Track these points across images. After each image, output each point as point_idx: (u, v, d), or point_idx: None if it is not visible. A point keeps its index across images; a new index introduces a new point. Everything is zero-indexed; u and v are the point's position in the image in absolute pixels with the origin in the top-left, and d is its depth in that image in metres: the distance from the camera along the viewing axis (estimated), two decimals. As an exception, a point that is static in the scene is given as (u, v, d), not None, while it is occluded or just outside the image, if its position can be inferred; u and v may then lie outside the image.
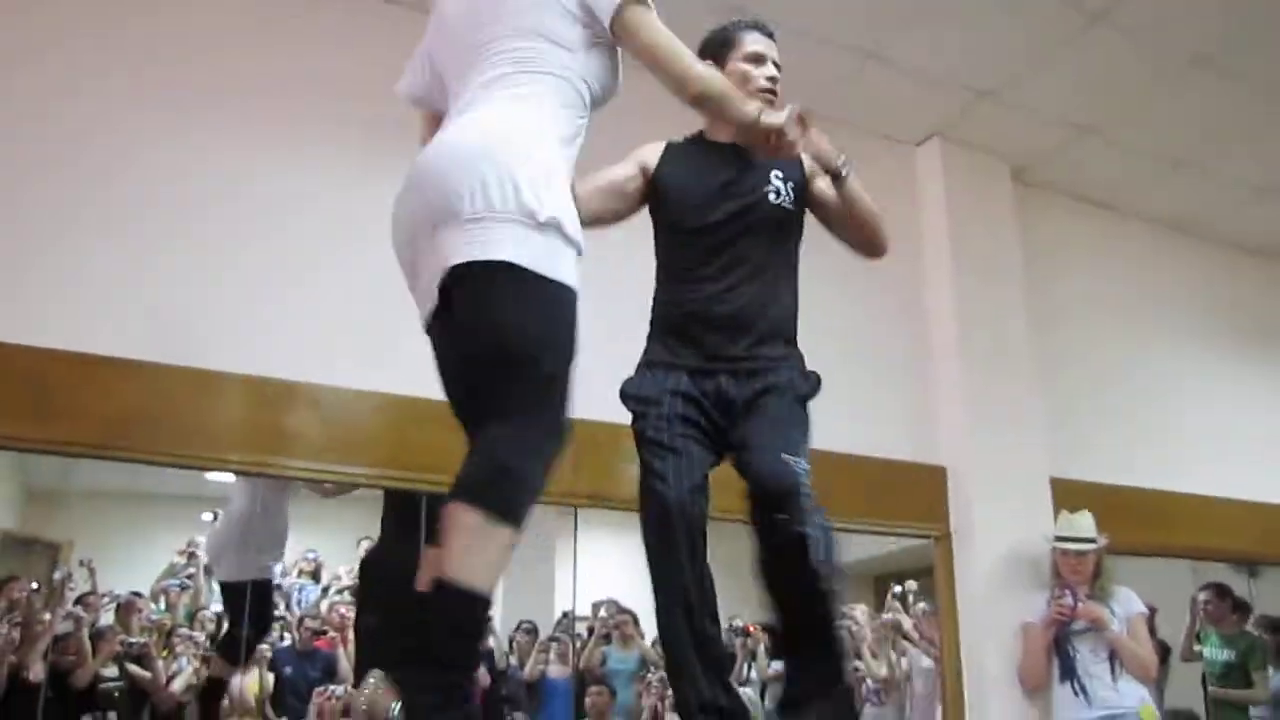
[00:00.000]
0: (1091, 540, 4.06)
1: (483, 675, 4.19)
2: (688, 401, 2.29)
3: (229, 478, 5.03)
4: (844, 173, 2.36)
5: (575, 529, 4.16)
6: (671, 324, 2.40)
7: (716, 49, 2.44)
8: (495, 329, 1.77)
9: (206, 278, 3.41)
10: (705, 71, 2.04)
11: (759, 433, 2.22)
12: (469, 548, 1.66)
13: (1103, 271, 5.31)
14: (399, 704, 2.25)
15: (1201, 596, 5.32)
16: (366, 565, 4.27)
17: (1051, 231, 5.15)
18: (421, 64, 2.20)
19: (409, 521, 3.88)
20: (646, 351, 2.42)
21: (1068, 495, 4.41)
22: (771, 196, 2.39)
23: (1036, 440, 4.59)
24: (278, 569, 4.47)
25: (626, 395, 2.37)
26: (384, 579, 3.98)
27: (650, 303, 2.47)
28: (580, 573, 4.28)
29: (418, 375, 3.32)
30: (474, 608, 1.69)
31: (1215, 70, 4.34)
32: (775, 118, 2.03)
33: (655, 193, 2.48)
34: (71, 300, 3.21)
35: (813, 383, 2.37)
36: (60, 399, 3.09)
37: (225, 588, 4.32)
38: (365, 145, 3.65)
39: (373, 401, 3.53)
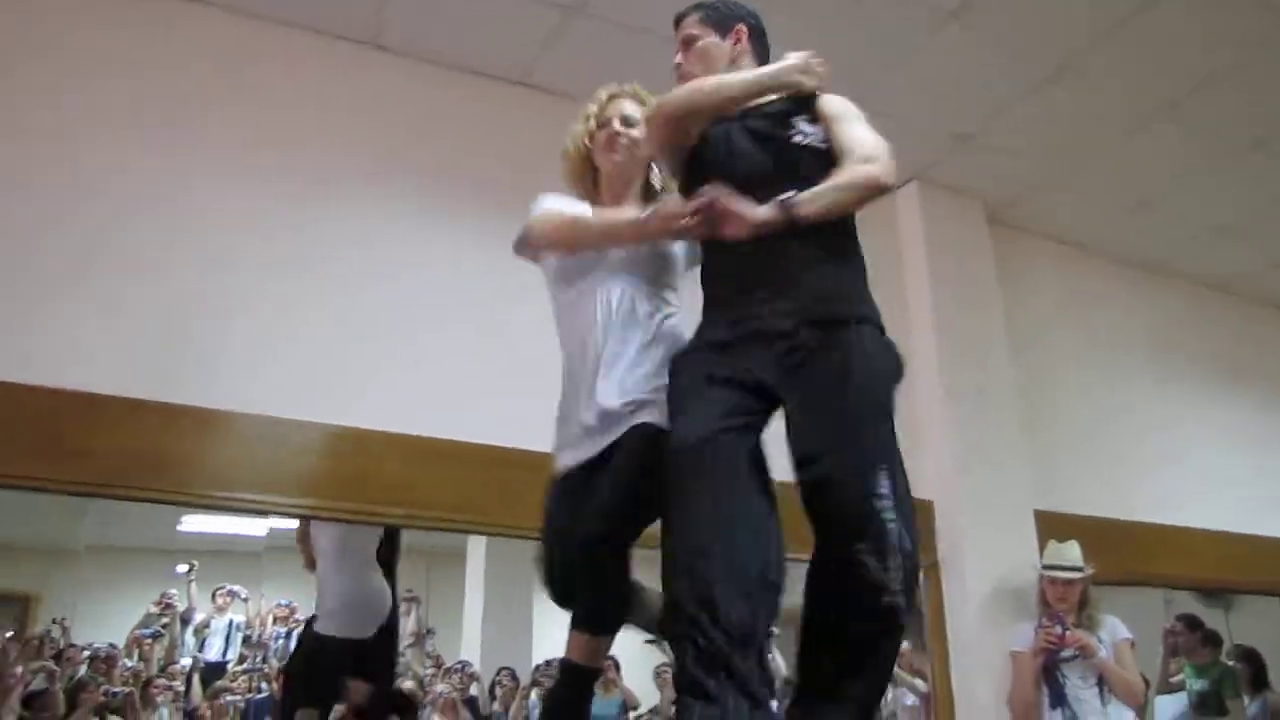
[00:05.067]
0: (1080, 569, 4.13)
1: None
2: None
3: (200, 528, 4.95)
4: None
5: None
6: None
7: None
8: None
9: (217, 318, 3.44)
10: None
11: None
12: None
13: (1075, 308, 5.44)
14: None
15: (1175, 628, 5.42)
16: None
17: (1027, 270, 5.28)
18: None
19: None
20: None
21: (1051, 526, 4.48)
22: None
23: (1020, 473, 4.68)
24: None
25: None
26: None
27: None
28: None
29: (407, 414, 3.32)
30: None
31: (1179, 117, 4.53)
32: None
33: None
34: (84, 340, 3.19)
35: None
36: (71, 440, 3.06)
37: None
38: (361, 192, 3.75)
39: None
